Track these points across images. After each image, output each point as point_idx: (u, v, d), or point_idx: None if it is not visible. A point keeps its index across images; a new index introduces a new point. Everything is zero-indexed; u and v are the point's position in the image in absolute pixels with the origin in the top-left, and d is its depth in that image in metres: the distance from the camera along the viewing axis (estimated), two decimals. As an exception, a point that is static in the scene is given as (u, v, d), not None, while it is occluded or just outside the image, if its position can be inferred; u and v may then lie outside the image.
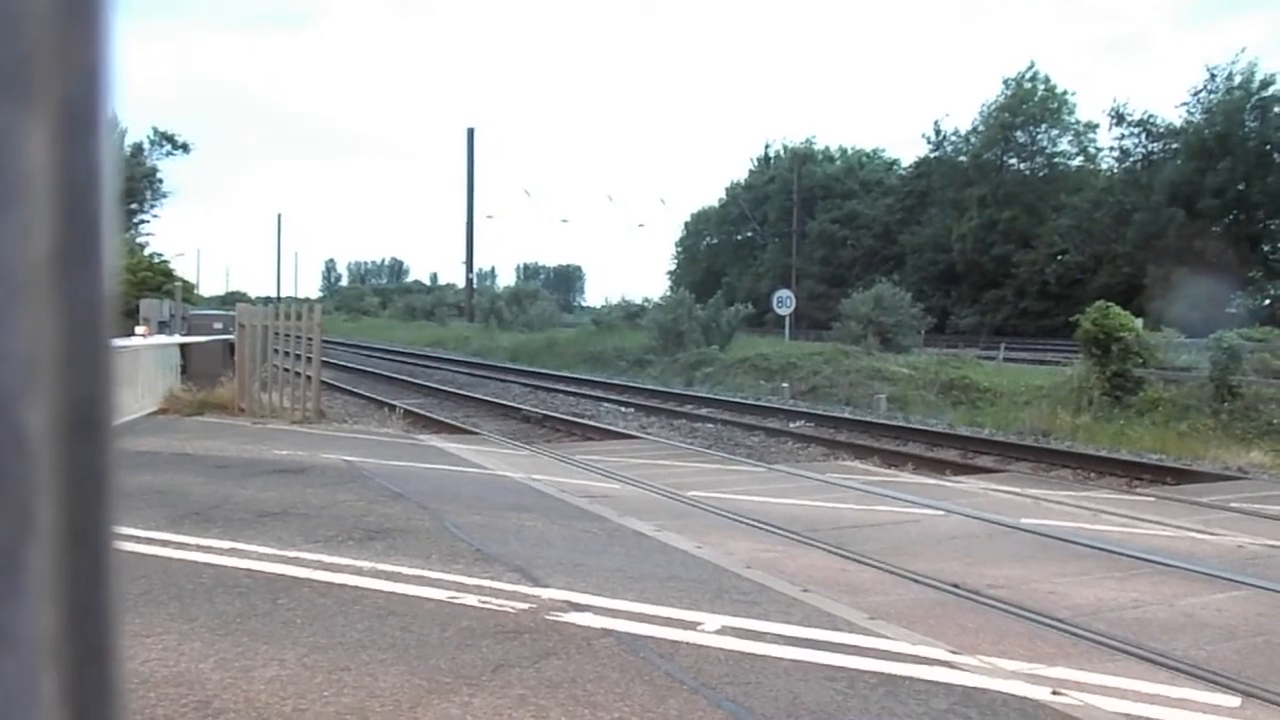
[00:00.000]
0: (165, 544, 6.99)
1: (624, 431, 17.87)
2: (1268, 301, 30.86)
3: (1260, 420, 17.27)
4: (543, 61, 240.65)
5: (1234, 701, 4.72)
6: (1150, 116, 54.59)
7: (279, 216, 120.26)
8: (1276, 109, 48.25)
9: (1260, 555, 8.25)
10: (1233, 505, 10.84)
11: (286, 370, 16.66)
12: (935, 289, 59.63)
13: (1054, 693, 4.58)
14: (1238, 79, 49.27)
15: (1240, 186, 47.79)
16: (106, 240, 0.48)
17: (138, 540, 7.05)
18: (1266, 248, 48.70)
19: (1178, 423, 17.76)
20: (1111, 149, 59.00)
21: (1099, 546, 8.23)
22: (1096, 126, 60.64)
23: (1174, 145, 52.65)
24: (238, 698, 4.26)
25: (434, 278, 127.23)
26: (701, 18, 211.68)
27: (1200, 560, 7.81)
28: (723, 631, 5.33)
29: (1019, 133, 62.44)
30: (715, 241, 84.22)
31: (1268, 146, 48.26)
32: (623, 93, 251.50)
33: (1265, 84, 48.51)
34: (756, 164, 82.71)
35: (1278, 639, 5.82)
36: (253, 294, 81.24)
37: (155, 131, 57.48)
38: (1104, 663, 5.24)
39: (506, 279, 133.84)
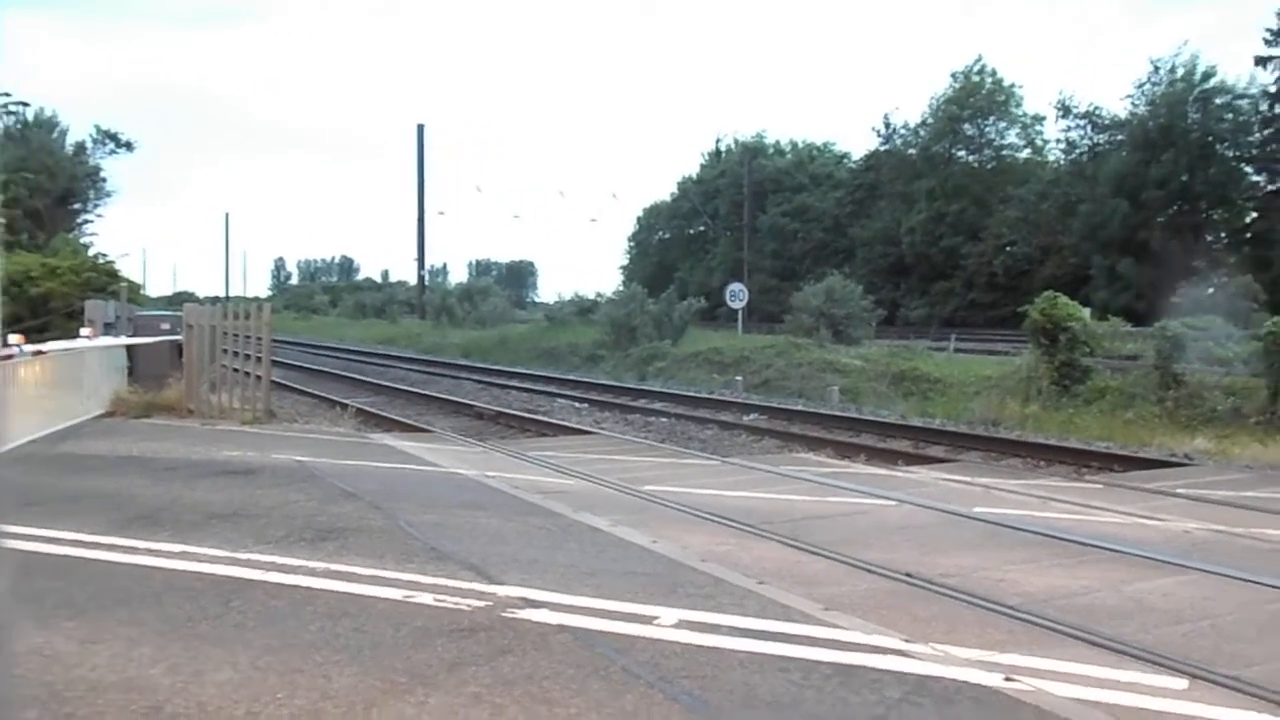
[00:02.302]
0: (112, 548, 6.89)
1: (578, 427, 17.86)
2: (1211, 291, 31.39)
3: (1204, 407, 17.56)
4: (493, 57, 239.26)
5: (1181, 684, 4.80)
6: (1096, 109, 55.38)
7: (226, 215, 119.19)
8: (1218, 101, 49.06)
9: (1206, 540, 8.39)
10: (1179, 491, 11.02)
11: (236, 370, 16.47)
12: (885, 281, 60.15)
13: (1006, 679, 4.63)
14: (1180, 71, 50.07)
15: (1183, 178, 48.57)
16: None
17: (84, 545, 6.95)
18: (1209, 238, 49.52)
19: (1124, 410, 18.02)
20: (1058, 141, 59.89)
21: (1048, 534, 8.34)
22: (1043, 119, 61.51)
23: (1119, 137, 53.40)
24: (189, 702, 4.21)
25: (385, 275, 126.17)
26: (651, 12, 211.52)
27: (1147, 546, 7.93)
28: (679, 625, 5.33)
29: (967, 125, 63.10)
30: (667, 236, 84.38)
31: (1210, 138, 49.08)
32: (573, 87, 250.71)
33: (1207, 76, 49.35)
34: (707, 158, 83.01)
35: (1223, 622, 5.92)
36: (201, 294, 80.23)
37: (98, 130, 56.72)
38: (1055, 648, 5.30)
39: (458, 275, 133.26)
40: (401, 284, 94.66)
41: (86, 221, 55.37)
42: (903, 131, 66.42)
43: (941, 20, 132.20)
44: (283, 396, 20.28)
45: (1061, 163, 59.64)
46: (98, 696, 4.26)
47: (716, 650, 4.94)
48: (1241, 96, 48.89)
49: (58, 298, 21.69)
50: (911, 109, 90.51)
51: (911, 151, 65.31)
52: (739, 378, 25.73)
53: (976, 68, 62.73)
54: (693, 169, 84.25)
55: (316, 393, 22.79)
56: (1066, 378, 19.88)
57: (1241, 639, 5.61)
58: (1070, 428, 17.21)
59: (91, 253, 30.81)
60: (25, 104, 46.29)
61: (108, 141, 56.72)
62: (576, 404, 22.43)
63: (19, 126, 49.04)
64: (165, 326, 18.26)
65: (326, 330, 62.31)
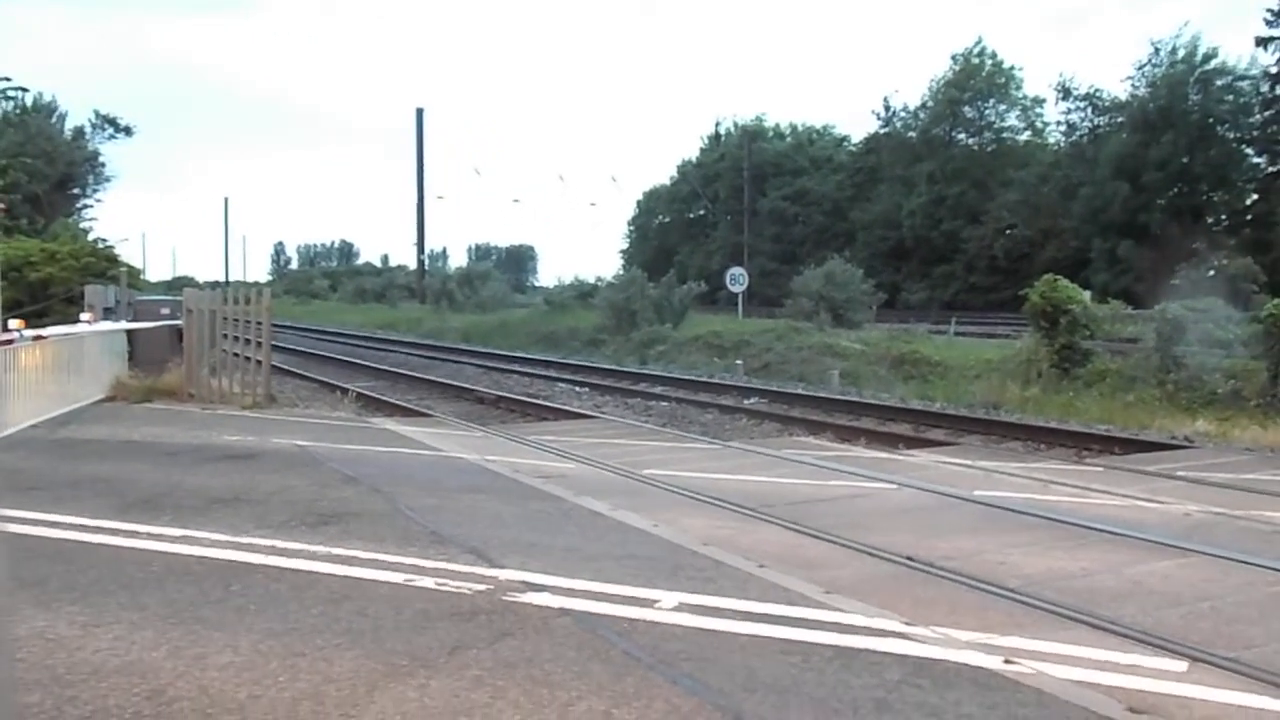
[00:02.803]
0: (114, 533, 6.90)
1: (578, 411, 17.86)
2: (1210, 273, 31.36)
3: (1204, 390, 17.56)
4: (492, 41, 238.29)
5: (1181, 666, 4.81)
6: (1096, 91, 55.18)
7: (226, 200, 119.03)
8: (1219, 82, 48.90)
9: (1205, 522, 8.40)
10: (1179, 474, 11.03)
11: (236, 355, 16.47)
12: (886, 265, 60.02)
13: (1006, 662, 4.64)
14: (1181, 52, 49.90)
15: (1184, 160, 48.43)
16: None
17: (85, 529, 6.96)
18: (1209, 220, 49.44)
19: (1125, 393, 18.02)
20: (1058, 123, 59.70)
21: (1049, 517, 8.35)
22: (1043, 101, 61.31)
23: (1119, 119, 53.22)
24: (191, 686, 4.22)
25: (385, 260, 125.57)
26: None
27: (1147, 528, 7.94)
28: (679, 608, 5.34)
29: (967, 108, 62.93)
30: (667, 220, 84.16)
31: (1210, 119, 48.92)
32: (573, 71, 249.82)
33: (1207, 57, 49.18)
34: (707, 142, 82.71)
35: (1223, 604, 5.93)
36: (200, 278, 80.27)
37: (97, 115, 56.60)
38: (1055, 631, 5.31)
39: (458, 260, 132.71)
40: (401, 268, 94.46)
41: (86, 206, 55.39)
42: (902, 114, 66.29)
43: (941, 2, 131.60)
44: (283, 381, 20.29)
45: (1062, 145, 59.50)
46: (100, 680, 4.27)
47: (717, 633, 4.95)
48: (1242, 78, 48.75)
49: (57, 283, 21.68)
50: (911, 92, 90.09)
51: (911, 134, 65.16)
52: (739, 362, 25.73)
53: (976, 50, 62.57)
54: (692, 153, 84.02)
55: (317, 377, 22.79)
56: (1067, 361, 19.88)
57: (1241, 621, 5.63)
58: (1070, 411, 17.20)
59: (91, 238, 30.81)
60: (24, 89, 46.23)
61: (107, 126, 56.65)
62: (577, 388, 22.43)
63: (17, 111, 48.93)
64: (165, 311, 18.24)
65: (326, 315, 62.26)
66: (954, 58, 63.07)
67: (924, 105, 64.33)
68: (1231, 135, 49.60)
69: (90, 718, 3.94)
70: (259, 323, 15.90)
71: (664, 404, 19.56)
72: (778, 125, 79.12)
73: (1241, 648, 5.10)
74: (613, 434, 14.25)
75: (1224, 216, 50.13)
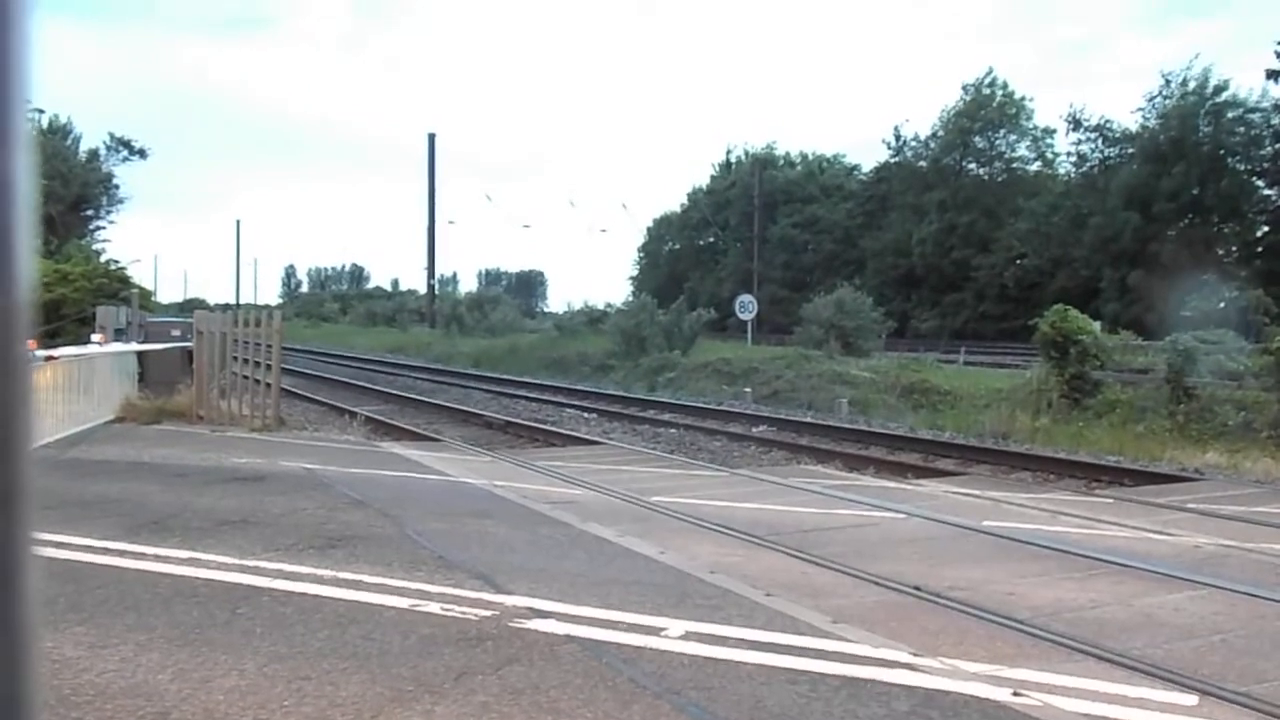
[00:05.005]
0: (122, 554, 6.91)
1: (586, 437, 17.84)
2: (1221, 304, 31.31)
3: (1215, 421, 17.48)
4: (503, 67, 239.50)
5: (1191, 700, 4.77)
6: (1106, 121, 55.30)
7: (238, 222, 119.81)
8: (1230, 114, 48.96)
9: (1216, 555, 8.34)
10: (1189, 506, 10.96)
11: (246, 377, 16.51)
12: (896, 293, 60.02)
13: (1015, 693, 4.61)
14: (1192, 84, 50.00)
15: (1194, 190, 48.45)
16: (20, 250, 0.46)
17: (93, 550, 6.96)
18: (1220, 251, 49.38)
19: (1135, 424, 17.94)
20: (1068, 154, 59.80)
21: (1058, 548, 8.30)
22: (1054, 132, 61.38)
23: (1129, 150, 53.29)
24: (196, 709, 4.21)
25: (395, 283, 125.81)
26: (663, 22, 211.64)
27: (1158, 560, 7.89)
28: (686, 636, 5.32)
29: (978, 138, 63.03)
30: (677, 246, 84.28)
31: (1221, 151, 48.96)
32: (584, 97, 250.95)
33: (1219, 89, 49.26)
34: (718, 169, 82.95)
35: (1234, 638, 5.89)
36: (211, 300, 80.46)
37: (112, 137, 57.00)
38: (1063, 663, 5.28)
39: (468, 284, 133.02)
40: (411, 293, 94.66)
41: (99, 228, 55.75)
42: (913, 144, 66.43)
43: (952, 33, 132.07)
44: (292, 404, 20.32)
45: (1072, 175, 59.58)
46: (106, 702, 4.26)
47: (724, 662, 4.92)
48: (1253, 110, 48.78)
49: (70, 304, 21.83)
50: (922, 121, 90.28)
51: (922, 164, 65.29)
52: (748, 389, 25.71)
53: (987, 80, 62.75)
54: (703, 180, 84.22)
55: (326, 400, 22.82)
56: (1077, 391, 19.82)
57: (1252, 654, 5.58)
58: (1080, 441, 17.14)
59: (103, 259, 31.05)
60: (40, 110, 46.58)
61: (121, 149, 57.06)
62: (585, 414, 22.42)
63: (33, 133, 49.31)
64: (176, 333, 18.33)
65: (336, 338, 62.32)
66: (965, 88, 63.30)
67: (934, 135, 64.50)
68: (1242, 167, 49.63)
69: (95, 740, 3.94)
70: (269, 345, 15.95)
71: (672, 431, 19.54)
72: (788, 153, 79.49)
73: (1253, 682, 5.06)
74: (621, 460, 14.23)
75: (1235, 248, 50.07)
